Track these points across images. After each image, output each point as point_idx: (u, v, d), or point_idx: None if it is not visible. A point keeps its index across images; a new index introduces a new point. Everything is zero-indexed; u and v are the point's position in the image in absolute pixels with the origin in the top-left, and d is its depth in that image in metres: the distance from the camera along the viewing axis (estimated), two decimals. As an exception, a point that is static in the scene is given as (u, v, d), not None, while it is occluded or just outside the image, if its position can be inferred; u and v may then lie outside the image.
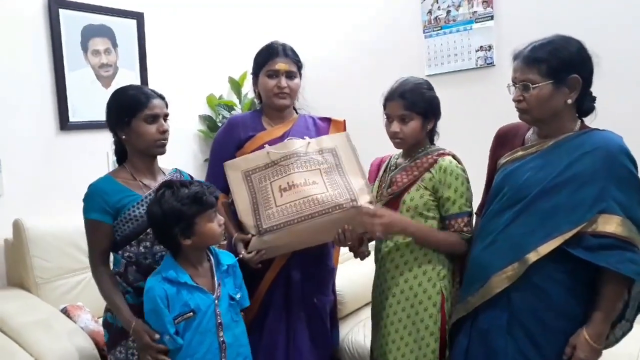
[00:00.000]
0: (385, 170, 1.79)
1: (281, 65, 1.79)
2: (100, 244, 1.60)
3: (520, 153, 1.53)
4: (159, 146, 1.63)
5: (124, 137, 1.62)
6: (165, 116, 1.64)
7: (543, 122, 1.47)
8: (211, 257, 1.60)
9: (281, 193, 1.67)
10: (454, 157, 1.70)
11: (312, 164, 1.71)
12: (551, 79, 1.40)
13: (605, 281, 1.37)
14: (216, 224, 1.54)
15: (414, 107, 1.65)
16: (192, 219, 1.49)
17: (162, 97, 1.65)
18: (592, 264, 1.35)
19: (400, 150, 1.79)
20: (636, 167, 1.39)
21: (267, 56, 1.82)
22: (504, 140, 1.64)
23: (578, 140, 1.43)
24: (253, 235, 1.68)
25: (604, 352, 1.44)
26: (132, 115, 1.59)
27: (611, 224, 1.33)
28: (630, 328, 1.49)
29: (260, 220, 1.67)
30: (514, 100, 1.47)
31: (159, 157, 1.71)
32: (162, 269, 1.53)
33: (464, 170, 1.67)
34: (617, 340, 1.49)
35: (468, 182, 1.68)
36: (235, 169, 1.76)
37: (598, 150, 1.38)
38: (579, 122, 1.48)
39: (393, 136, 1.68)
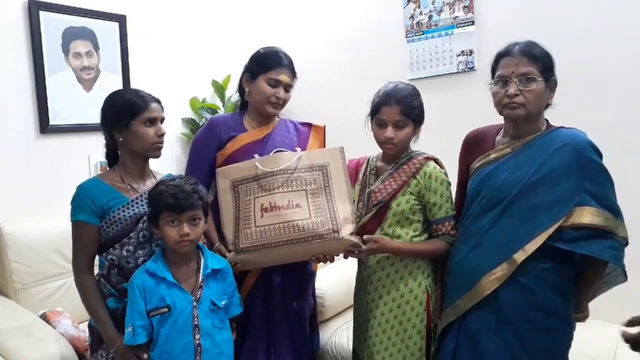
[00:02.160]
0: (364, 173, 1.79)
1: (284, 77, 1.79)
2: (86, 248, 1.58)
3: (493, 155, 1.57)
4: (156, 149, 1.64)
5: (120, 139, 1.62)
6: (162, 120, 1.65)
7: (531, 119, 1.50)
8: (201, 259, 1.60)
9: (262, 213, 1.65)
10: (436, 161, 1.72)
11: (298, 184, 1.67)
12: (543, 78, 1.46)
13: (587, 269, 1.47)
14: (176, 230, 1.50)
15: (410, 113, 1.66)
16: (157, 213, 1.52)
17: (158, 101, 1.66)
18: (574, 259, 1.44)
19: (379, 152, 1.80)
20: (601, 158, 1.46)
21: (274, 64, 1.79)
22: (473, 145, 1.67)
23: (547, 138, 1.50)
24: (230, 251, 1.68)
25: (583, 350, 1.52)
26: (131, 117, 1.59)
27: (586, 215, 1.40)
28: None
29: (238, 239, 1.66)
30: (510, 94, 1.46)
31: (152, 161, 1.71)
32: (150, 260, 1.56)
33: (446, 175, 1.70)
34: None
35: (450, 185, 1.71)
36: (225, 177, 1.74)
37: (567, 146, 1.45)
38: (545, 121, 1.55)
39: (386, 141, 1.67)
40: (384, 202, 1.68)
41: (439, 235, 1.69)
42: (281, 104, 1.83)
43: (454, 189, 1.77)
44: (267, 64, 1.80)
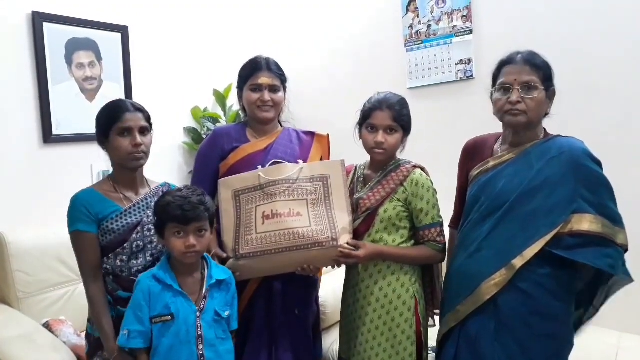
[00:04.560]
0: (352, 181, 1.81)
1: (264, 79, 1.82)
2: (89, 257, 1.58)
3: (492, 163, 1.59)
4: (133, 159, 1.62)
5: (105, 150, 1.65)
6: (142, 129, 1.63)
7: (531, 127, 1.53)
8: (205, 269, 1.60)
9: (263, 220, 1.67)
10: (422, 169, 1.75)
11: (300, 193, 1.70)
12: (544, 87, 1.48)
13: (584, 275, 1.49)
14: (182, 241, 1.50)
15: (400, 119, 1.70)
16: (163, 224, 1.52)
17: (140, 110, 1.65)
18: (572, 266, 1.44)
19: (367, 161, 1.83)
20: (600, 166, 1.47)
21: (251, 71, 1.85)
22: (473, 153, 1.70)
23: (545, 146, 1.52)
24: (230, 258, 1.69)
25: (583, 357, 1.52)
26: (108, 129, 1.60)
27: (584, 223, 1.42)
28: (595, 313, 1.58)
29: (238, 245, 1.68)
30: (512, 101, 1.48)
31: (147, 169, 1.71)
32: (156, 267, 1.56)
33: (432, 182, 1.73)
34: (581, 325, 1.59)
35: (436, 193, 1.73)
36: (227, 188, 1.76)
37: (563, 154, 1.47)
38: (543, 130, 1.57)
39: (377, 146, 1.70)
40: (372, 209, 1.71)
41: (425, 242, 1.71)
42: (270, 105, 1.84)
43: (452, 196, 1.79)
44: (245, 74, 1.86)
